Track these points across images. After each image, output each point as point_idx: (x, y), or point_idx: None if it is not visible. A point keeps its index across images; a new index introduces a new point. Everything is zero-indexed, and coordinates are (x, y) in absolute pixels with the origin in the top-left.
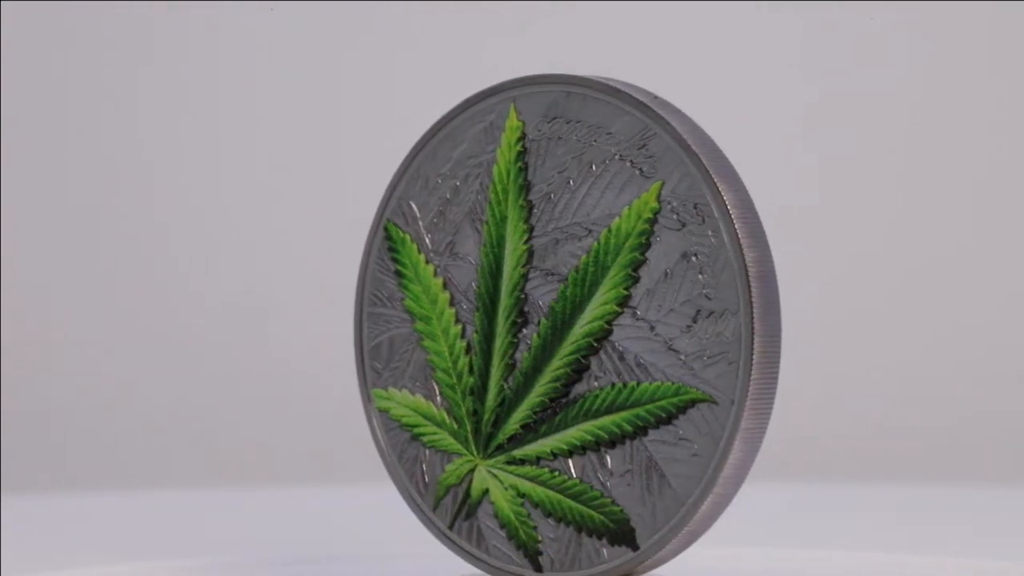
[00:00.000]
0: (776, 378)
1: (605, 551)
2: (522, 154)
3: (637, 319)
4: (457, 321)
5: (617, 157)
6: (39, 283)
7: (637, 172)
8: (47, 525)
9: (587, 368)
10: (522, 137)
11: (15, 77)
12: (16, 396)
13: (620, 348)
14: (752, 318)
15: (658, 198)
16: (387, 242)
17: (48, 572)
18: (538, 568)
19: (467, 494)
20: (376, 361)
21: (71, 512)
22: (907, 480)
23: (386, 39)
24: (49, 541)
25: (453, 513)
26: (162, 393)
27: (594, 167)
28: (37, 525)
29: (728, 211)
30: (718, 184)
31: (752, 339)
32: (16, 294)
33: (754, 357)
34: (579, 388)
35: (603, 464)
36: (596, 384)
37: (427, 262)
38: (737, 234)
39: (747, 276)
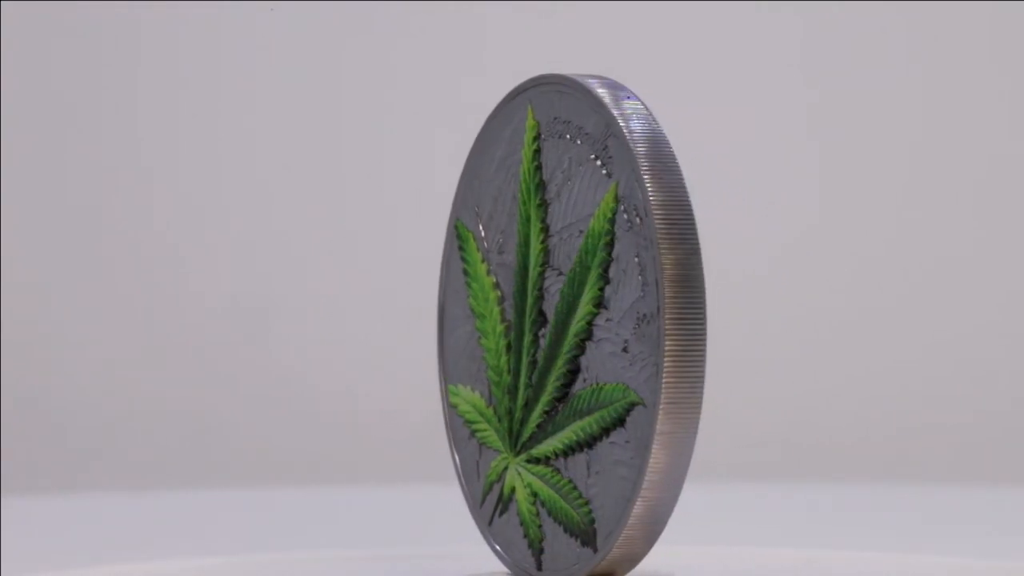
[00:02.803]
0: (700, 382)
1: (577, 551)
2: (538, 153)
3: (608, 320)
4: (503, 319)
5: (592, 156)
6: (39, 283)
7: (604, 172)
8: (47, 525)
9: (579, 368)
10: (537, 136)
11: (15, 77)
12: (16, 396)
13: (600, 349)
14: (664, 320)
15: (615, 198)
16: (457, 240)
17: (48, 572)
18: (539, 566)
19: (501, 491)
20: (448, 358)
21: (71, 512)
22: (907, 480)
23: (386, 39)
24: (49, 541)
25: (491, 510)
26: (163, 393)
27: (581, 166)
28: (37, 525)
29: (652, 211)
30: (647, 184)
31: (663, 342)
32: (16, 294)
33: (665, 360)
34: (575, 388)
35: (586, 464)
36: (584, 385)
37: (482, 260)
38: (656, 235)
39: (663, 277)
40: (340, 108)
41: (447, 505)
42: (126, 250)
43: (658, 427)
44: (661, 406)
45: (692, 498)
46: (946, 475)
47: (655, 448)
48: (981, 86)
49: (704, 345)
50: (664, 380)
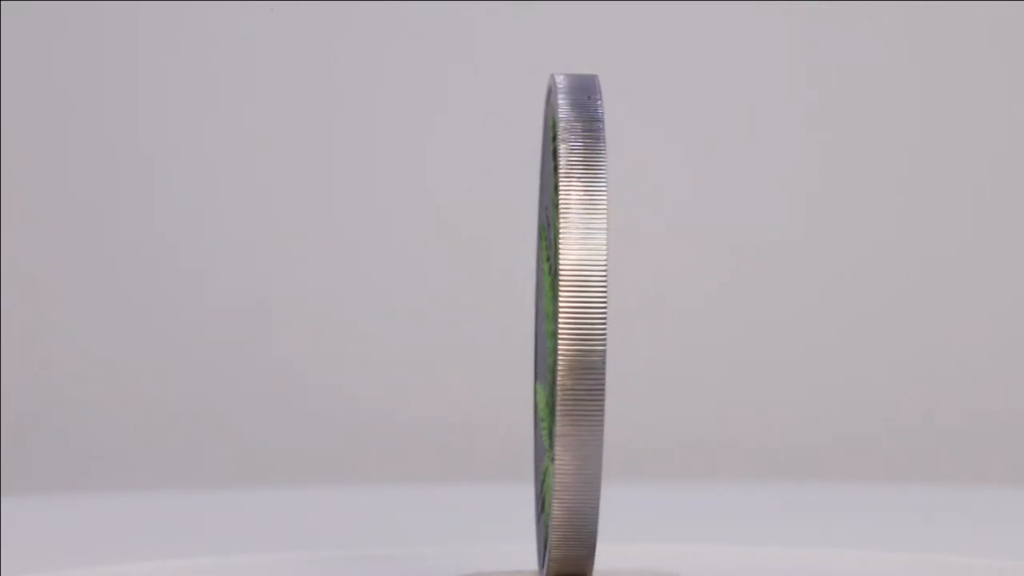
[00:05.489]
0: (599, 385)
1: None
2: (556, 153)
3: None
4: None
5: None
6: (39, 283)
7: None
8: (47, 525)
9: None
10: (555, 136)
11: (15, 77)
12: (16, 396)
13: None
14: (558, 322)
15: None
16: (540, 240)
17: (48, 572)
18: (543, 564)
19: (544, 490)
20: (537, 356)
21: (71, 512)
22: (906, 480)
23: (386, 39)
24: (49, 541)
25: (539, 508)
26: (163, 393)
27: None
28: (37, 525)
29: (559, 211)
30: (561, 182)
31: (557, 344)
32: (16, 294)
33: (559, 362)
34: None
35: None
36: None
37: (547, 259)
38: (557, 235)
39: (557, 278)
40: (340, 108)
41: (446, 505)
42: (126, 250)
43: (557, 430)
44: (557, 409)
45: (692, 498)
46: (945, 475)
47: (558, 450)
48: (981, 87)
49: (603, 348)
50: (559, 383)
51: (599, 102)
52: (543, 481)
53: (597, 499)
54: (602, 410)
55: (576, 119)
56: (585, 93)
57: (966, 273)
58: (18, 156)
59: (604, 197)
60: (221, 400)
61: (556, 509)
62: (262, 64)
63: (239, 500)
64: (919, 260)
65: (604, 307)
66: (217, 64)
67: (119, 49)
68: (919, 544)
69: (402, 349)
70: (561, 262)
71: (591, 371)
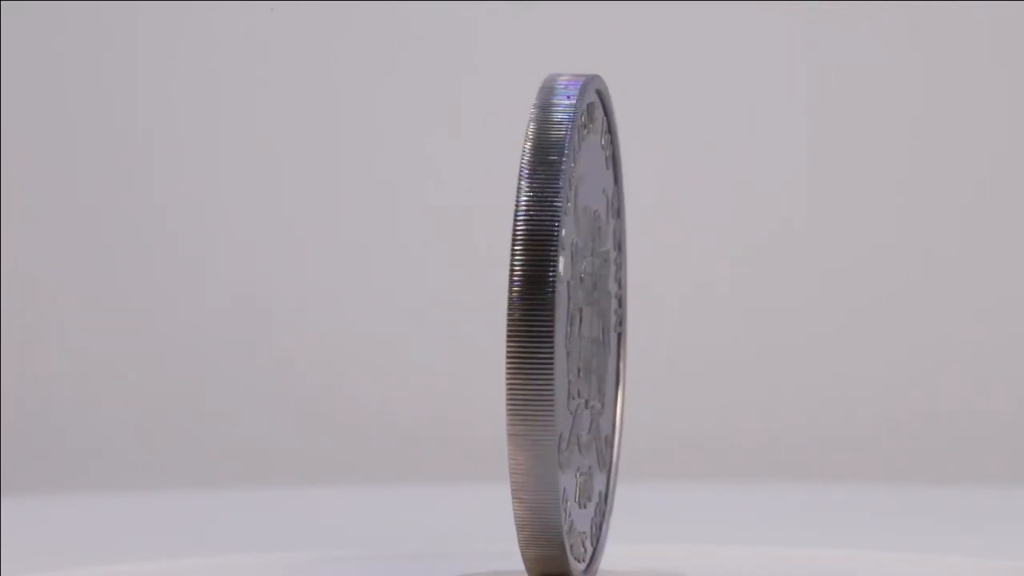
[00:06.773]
0: (549, 384)
1: None
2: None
3: None
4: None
5: None
6: (39, 284)
7: None
8: (47, 525)
9: None
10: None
11: (16, 77)
12: (16, 396)
13: None
14: (508, 319)
15: None
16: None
17: (48, 572)
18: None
19: None
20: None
21: (71, 512)
22: (905, 480)
23: (387, 39)
24: (49, 541)
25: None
26: (163, 393)
27: None
28: (37, 525)
29: (519, 208)
30: (522, 179)
31: (507, 342)
32: (16, 294)
33: (507, 361)
34: None
35: None
36: None
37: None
38: (514, 231)
39: (511, 275)
40: (339, 107)
41: (446, 505)
42: (126, 249)
43: (508, 428)
44: (506, 407)
45: (692, 498)
46: (945, 475)
47: (510, 449)
48: (980, 87)
49: (551, 346)
50: (507, 381)
51: (576, 103)
52: None
53: (557, 497)
54: (552, 407)
55: (545, 119)
56: (564, 93)
57: (966, 273)
58: (18, 156)
59: (556, 199)
60: (221, 400)
61: (518, 509)
62: (262, 64)
63: (239, 500)
64: (919, 260)
65: (550, 304)
66: (217, 64)
67: (119, 49)
68: (919, 544)
69: (402, 349)
70: (515, 261)
71: (541, 371)
